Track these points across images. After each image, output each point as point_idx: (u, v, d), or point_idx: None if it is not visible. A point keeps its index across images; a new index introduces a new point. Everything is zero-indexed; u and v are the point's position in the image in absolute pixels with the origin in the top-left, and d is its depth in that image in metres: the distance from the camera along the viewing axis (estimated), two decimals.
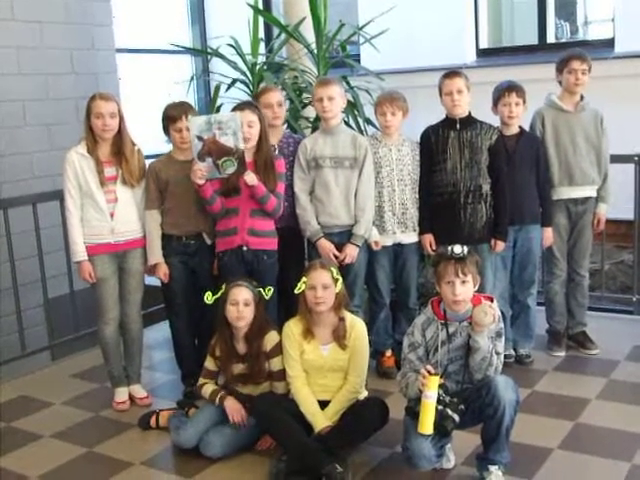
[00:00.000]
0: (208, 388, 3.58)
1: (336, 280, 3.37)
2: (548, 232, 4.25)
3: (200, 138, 3.66)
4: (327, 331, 3.42)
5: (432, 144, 4.09)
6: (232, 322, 3.46)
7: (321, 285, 3.32)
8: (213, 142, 3.65)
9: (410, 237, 4.15)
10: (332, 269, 3.40)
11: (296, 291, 3.36)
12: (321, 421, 3.32)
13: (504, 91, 4.12)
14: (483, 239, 4.07)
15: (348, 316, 3.45)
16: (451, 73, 4.05)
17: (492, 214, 4.07)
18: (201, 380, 3.62)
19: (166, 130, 3.96)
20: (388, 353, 4.27)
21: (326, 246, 4.02)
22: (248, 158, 3.72)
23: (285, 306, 3.96)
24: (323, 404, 3.39)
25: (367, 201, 4.02)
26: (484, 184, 4.04)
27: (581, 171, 4.24)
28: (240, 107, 3.82)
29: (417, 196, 4.12)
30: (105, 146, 3.84)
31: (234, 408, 3.46)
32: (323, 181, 4.01)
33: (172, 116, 3.89)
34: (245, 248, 3.81)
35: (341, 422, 3.32)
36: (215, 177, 3.71)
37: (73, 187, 3.82)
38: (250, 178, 3.69)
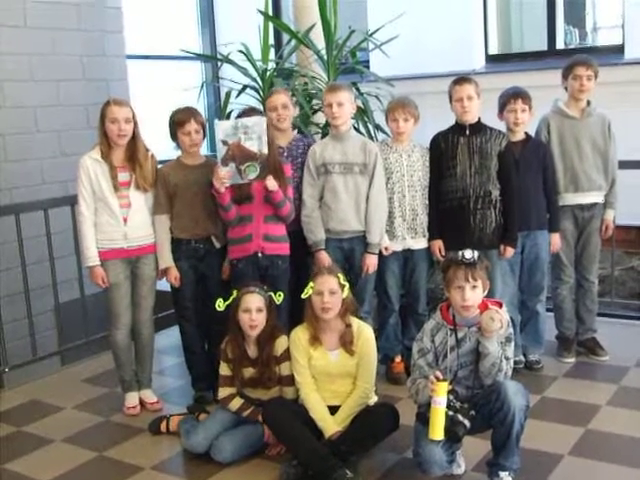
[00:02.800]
0: (235, 403, 3.55)
1: (343, 286, 3.37)
2: (556, 237, 4.24)
3: (225, 142, 3.67)
4: (334, 337, 3.42)
5: (442, 150, 4.09)
6: (245, 330, 3.48)
7: (328, 290, 3.33)
8: (237, 147, 3.67)
9: (420, 243, 4.15)
10: (339, 275, 3.41)
11: (303, 296, 3.37)
12: (331, 426, 3.32)
13: (510, 97, 4.12)
14: (492, 245, 4.06)
15: (355, 322, 3.45)
16: (461, 79, 4.06)
17: (501, 220, 4.07)
18: (222, 391, 3.59)
19: (174, 136, 3.97)
20: (397, 359, 4.27)
21: (324, 259, 3.99)
22: None
23: (291, 309, 3.95)
24: (333, 409, 3.40)
25: (379, 208, 4.02)
26: (494, 190, 4.04)
27: (587, 177, 4.23)
28: (246, 113, 3.84)
29: (427, 202, 4.13)
30: (119, 151, 3.86)
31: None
32: (332, 187, 4.02)
33: (180, 120, 3.90)
34: (260, 254, 3.83)
35: (351, 428, 3.32)
36: (237, 182, 3.72)
37: (87, 192, 3.84)
38: (271, 184, 3.71)
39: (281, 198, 3.77)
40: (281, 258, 3.90)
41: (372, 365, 3.44)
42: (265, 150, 3.67)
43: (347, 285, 3.40)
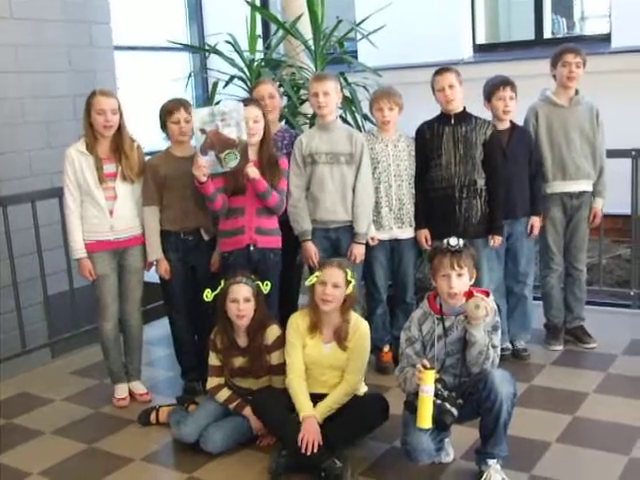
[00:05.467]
0: (223, 394, 3.57)
1: (349, 282, 3.36)
2: (535, 221, 4.24)
3: (203, 131, 3.62)
4: (330, 330, 3.42)
5: (427, 140, 4.10)
6: (234, 320, 3.48)
7: (332, 283, 3.31)
8: (215, 134, 3.61)
9: (406, 232, 4.16)
10: (347, 270, 3.38)
11: (307, 283, 3.36)
12: (307, 407, 3.28)
13: (499, 85, 4.12)
14: (478, 234, 4.07)
15: (353, 317, 3.44)
16: (442, 69, 4.06)
17: (487, 209, 4.07)
18: (210, 380, 3.60)
19: (164, 125, 3.96)
20: (386, 348, 4.28)
21: (310, 249, 4.01)
22: (252, 156, 3.72)
23: (282, 301, 3.97)
24: (321, 398, 3.37)
25: (365, 198, 4.02)
26: (479, 179, 4.04)
27: (575, 165, 4.24)
28: (245, 102, 3.79)
29: (414, 192, 4.13)
30: (105, 143, 3.84)
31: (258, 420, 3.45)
32: (318, 177, 4.01)
33: (169, 109, 3.90)
34: (252, 247, 3.81)
35: (342, 417, 3.31)
36: (217, 172, 3.67)
37: (72, 184, 3.82)
38: (252, 171, 3.67)
39: (265, 188, 3.72)
40: (273, 251, 3.88)
41: (363, 360, 3.42)
42: (244, 137, 3.62)
43: (353, 282, 3.39)
